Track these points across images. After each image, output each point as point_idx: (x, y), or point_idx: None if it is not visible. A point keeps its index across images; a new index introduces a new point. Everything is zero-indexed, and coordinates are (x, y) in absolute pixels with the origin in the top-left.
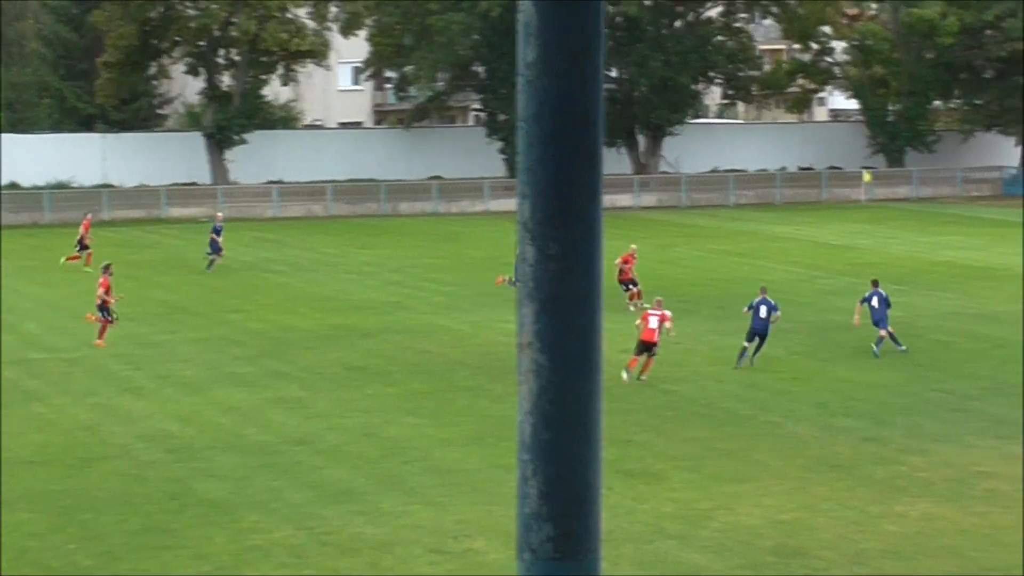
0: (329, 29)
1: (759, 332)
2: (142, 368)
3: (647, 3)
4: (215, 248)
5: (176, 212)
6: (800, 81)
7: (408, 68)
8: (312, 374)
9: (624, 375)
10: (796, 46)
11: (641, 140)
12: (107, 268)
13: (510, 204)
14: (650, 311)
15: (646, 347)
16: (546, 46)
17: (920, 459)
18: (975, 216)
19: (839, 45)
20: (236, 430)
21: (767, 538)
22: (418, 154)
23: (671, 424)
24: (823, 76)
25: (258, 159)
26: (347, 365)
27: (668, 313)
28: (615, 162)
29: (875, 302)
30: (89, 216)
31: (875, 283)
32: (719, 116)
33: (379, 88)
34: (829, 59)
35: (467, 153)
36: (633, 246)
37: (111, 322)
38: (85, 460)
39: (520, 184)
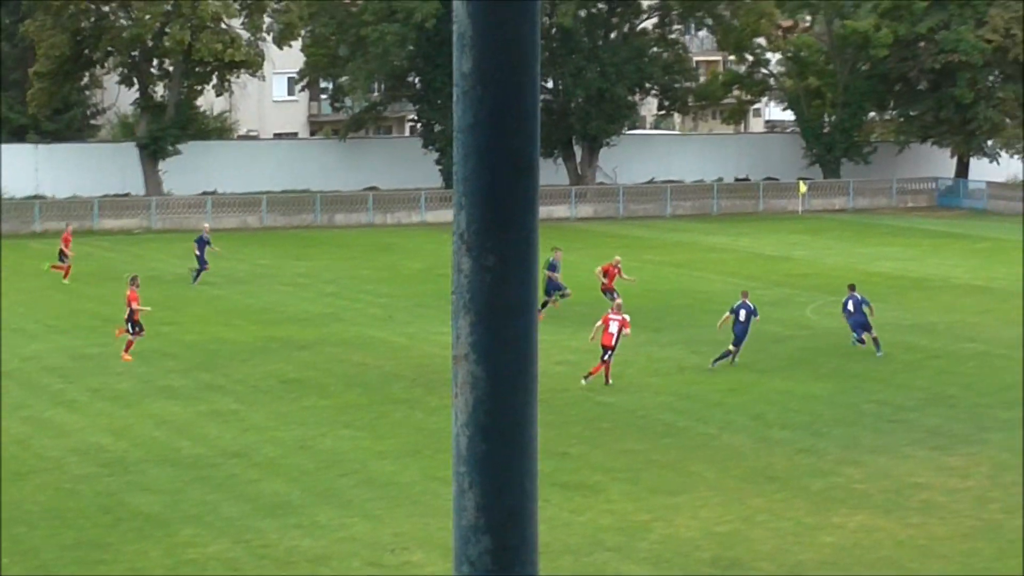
0: (263, 39)
1: (738, 335)
2: (74, 381)
3: (582, 15)
4: (201, 263)
5: (108, 223)
6: (735, 92)
7: (343, 79)
8: (247, 387)
9: (582, 381)
10: (731, 57)
11: (578, 151)
12: (134, 280)
13: (446, 215)
14: (610, 315)
15: (606, 350)
16: (481, 56)
17: (856, 470)
18: (910, 227)
19: (774, 57)
20: (170, 443)
21: (704, 550)
22: (354, 165)
23: (607, 436)
24: (758, 88)
25: (192, 170)
26: (282, 377)
27: (627, 318)
28: (551, 173)
29: (850, 306)
30: (70, 226)
31: (852, 288)
32: (656, 127)
33: (314, 99)
34: (765, 71)
35: (403, 164)
36: (617, 257)
37: (139, 334)
38: (17, 474)
39: (456, 195)
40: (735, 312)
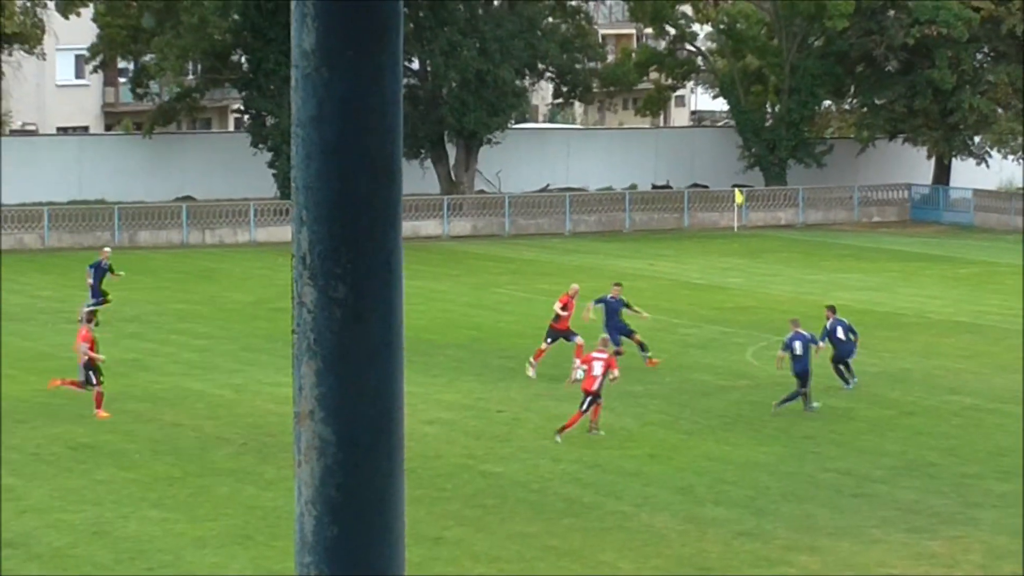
0: (44, 6)
1: (799, 374)
2: None
3: None
4: (96, 294)
5: None
6: (653, 75)
7: (148, 57)
8: (25, 455)
9: (557, 438)
10: (648, 31)
11: (451, 151)
12: (91, 318)
13: (283, 232)
14: (595, 354)
15: (587, 397)
16: (329, 30)
17: (811, 558)
18: (877, 247)
19: (703, 31)
20: None
21: None
22: (163, 168)
23: (493, 515)
24: (682, 69)
25: None
26: (72, 443)
27: (614, 358)
28: (418, 179)
29: (840, 333)
30: None
31: (832, 309)
32: (551, 120)
33: (111, 83)
34: (690, 47)
35: (227, 167)
36: (574, 285)
37: (99, 384)
38: None
39: (296, 207)
40: (788, 347)
